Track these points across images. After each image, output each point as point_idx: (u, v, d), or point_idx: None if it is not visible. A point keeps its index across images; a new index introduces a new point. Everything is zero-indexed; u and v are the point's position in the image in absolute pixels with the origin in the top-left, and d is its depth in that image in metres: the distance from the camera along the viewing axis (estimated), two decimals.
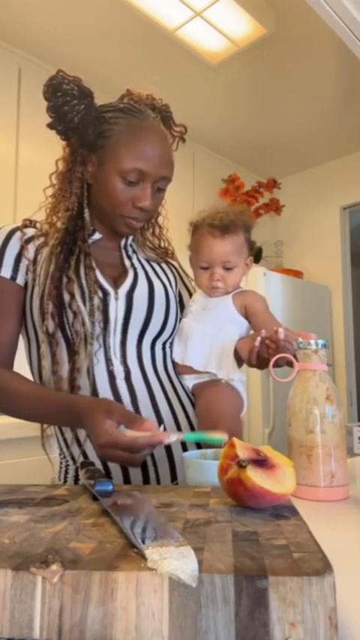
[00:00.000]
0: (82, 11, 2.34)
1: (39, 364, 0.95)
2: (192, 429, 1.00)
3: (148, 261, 1.07)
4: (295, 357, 0.83)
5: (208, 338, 1.00)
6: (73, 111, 0.91)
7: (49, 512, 0.45)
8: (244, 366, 1.01)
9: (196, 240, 1.05)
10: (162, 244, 1.12)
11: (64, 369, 0.91)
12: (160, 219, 1.10)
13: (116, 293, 0.95)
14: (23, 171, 2.45)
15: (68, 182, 0.97)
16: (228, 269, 1.02)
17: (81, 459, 0.92)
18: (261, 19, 2.35)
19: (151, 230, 1.11)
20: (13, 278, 0.94)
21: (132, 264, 1.02)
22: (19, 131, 2.48)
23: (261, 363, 0.93)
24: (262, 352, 0.90)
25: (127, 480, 0.90)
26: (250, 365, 0.96)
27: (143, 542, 0.35)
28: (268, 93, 2.99)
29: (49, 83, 0.91)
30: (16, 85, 2.51)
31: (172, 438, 0.71)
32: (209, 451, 0.79)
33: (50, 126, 0.94)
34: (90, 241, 0.98)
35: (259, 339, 0.89)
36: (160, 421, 0.93)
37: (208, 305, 1.04)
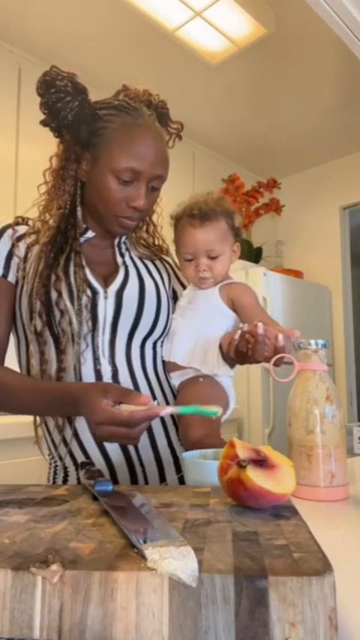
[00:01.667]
0: (83, 11, 2.34)
1: (28, 363, 0.94)
2: (177, 429, 0.99)
3: (141, 258, 1.05)
4: (289, 356, 0.83)
5: (194, 333, 0.98)
6: (66, 108, 0.88)
7: (49, 512, 0.45)
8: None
9: (178, 233, 1.02)
10: (156, 242, 1.11)
11: (53, 368, 0.91)
12: (155, 217, 1.08)
13: (105, 292, 0.94)
14: (23, 171, 2.45)
15: (61, 180, 0.96)
16: (213, 258, 0.99)
17: (67, 458, 0.92)
18: (261, 19, 2.35)
19: (145, 228, 1.09)
20: (5, 275, 0.94)
21: (124, 262, 1.01)
22: (19, 131, 2.48)
23: (240, 357, 0.89)
24: (241, 346, 0.86)
25: (114, 481, 0.89)
26: (230, 359, 0.92)
27: (143, 542, 0.35)
28: (268, 93, 2.99)
29: (42, 79, 0.88)
30: (16, 85, 2.51)
31: (167, 410, 0.71)
32: (209, 451, 0.78)
33: (43, 123, 0.92)
34: (82, 239, 0.97)
35: (238, 332, 0.86)
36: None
37: (194, 299, 1.02)
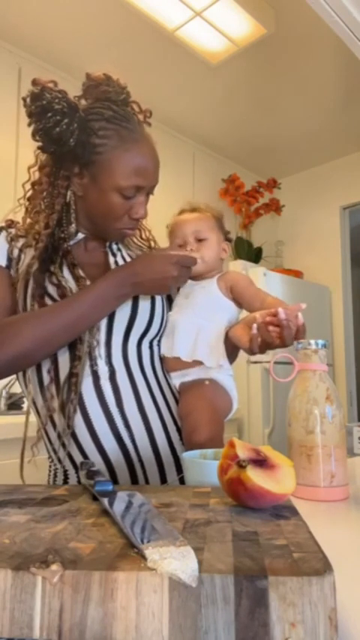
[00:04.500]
0: (82, 11, 2.34)
1: None
2: (177, 428, 0.99)
3: (132, 258, 1.04)
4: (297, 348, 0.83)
5: (194, 327, 0.98)
6: (67, 132, 0.84)
7: (49, 512, 0.45)
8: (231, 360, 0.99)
9: (170, 231, 1.07)
10: (143, 235, 1.11)
11: (46, 366, 0.91)
12: None
13: None
14: (23, 171, 2.44)
15: (50, 198, 0.94)
16: (200, 240, 1.03)
17: (67, 460, 0.92)
18: (261, 19, 2.35)
19: None
20: (8, 267, 0.95)
21: (116, 262, 1.00)
22: (19, 131, 2.48)
23: (264, 347, 0.87)
24: (268, 337, 0.85)
25: (114, 482, 0.89)
26: (252, 353, 0.91)
27: (143, 542, 0.35)
28: (268, 93, 2.99)
29: (38, 104, 0.83)
30: (16, 85, 2.51)
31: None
32: (209, 451, 0.78)
33: (43, 150, 0.89)
34: (72, 242, 0.97)
35: (255, 326, 0.85)
36: (147, 421, 0.93)
37: (191, 294, 1.03)
